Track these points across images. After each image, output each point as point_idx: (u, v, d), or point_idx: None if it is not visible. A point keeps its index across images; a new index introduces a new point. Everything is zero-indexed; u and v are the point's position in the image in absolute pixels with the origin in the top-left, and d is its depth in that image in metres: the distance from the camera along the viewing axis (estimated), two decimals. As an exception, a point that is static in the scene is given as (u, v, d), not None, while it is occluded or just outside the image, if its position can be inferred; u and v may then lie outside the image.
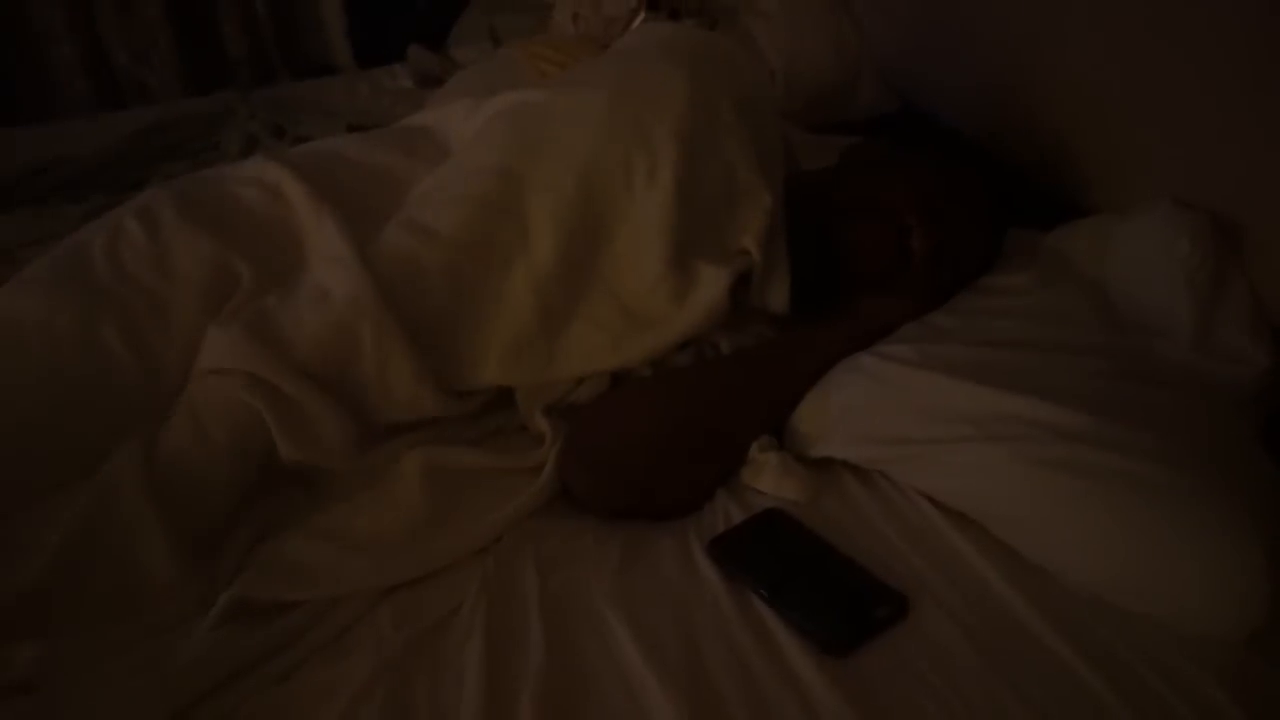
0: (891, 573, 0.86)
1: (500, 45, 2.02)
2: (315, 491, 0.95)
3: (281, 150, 1.42)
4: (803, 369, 1.04)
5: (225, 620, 0.82)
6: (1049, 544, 0.86)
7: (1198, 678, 0.75)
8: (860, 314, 1.09)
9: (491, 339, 1.00)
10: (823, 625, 0.80)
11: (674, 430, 0.98)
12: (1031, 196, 1.36)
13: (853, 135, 1.55)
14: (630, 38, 1.31)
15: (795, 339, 1.09)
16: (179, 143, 1.82)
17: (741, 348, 1.09)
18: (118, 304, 0.96)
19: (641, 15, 1.69)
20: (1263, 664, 0.76)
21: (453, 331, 0.99)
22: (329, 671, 0.79)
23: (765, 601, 0.83)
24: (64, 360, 0.93)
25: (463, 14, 2.33)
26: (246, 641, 0.80)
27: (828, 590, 0.84)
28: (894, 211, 1.12)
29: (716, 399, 1.02)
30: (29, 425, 0.91)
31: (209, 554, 0.88)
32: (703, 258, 1.06)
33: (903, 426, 0.95)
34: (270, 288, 0.99)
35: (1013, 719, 0.73)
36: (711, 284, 1.04)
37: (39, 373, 0.93)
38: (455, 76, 1.78)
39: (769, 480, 0.97)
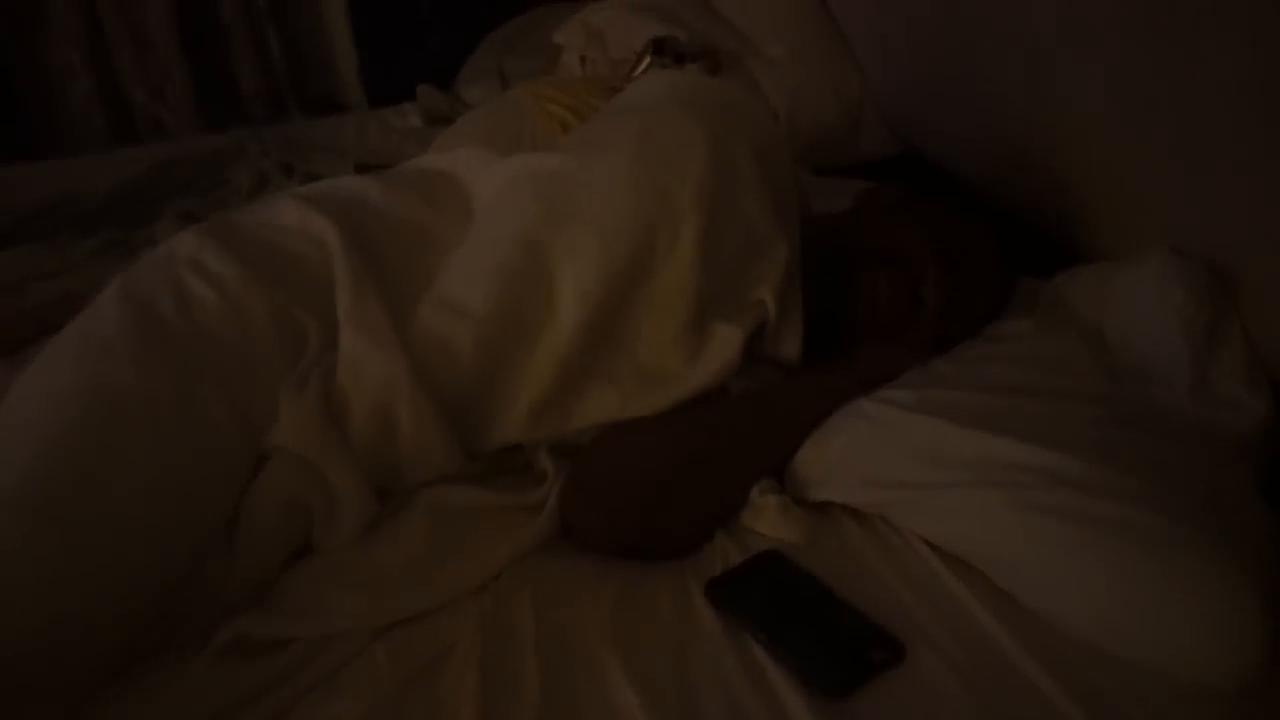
0: (888, 617, 0.86)
1: (508, 86, 2.05)
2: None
3: (302, 189, 1.42)
4: (806, 414, 1.04)
5: (222, 655, 0.82)
6: (1046, 590, 0.86)
7: (1193, 727, 0.75)
8: (867, 361, 1.09)
9: (516, 405, 1.00)
10: (819, 669, 0.80)
11: (676, 471, 0.99)
12: (1032, 242, 1.37)
13: (856, 179, 1.57)
14: (641, 87, 1.32)
15: (800, 384, 1.10)
16: (191, 179, 1.84)
17: (746, 390, 1.09)
18: (211, 366, 0.93)
19: (647, 59, 1.72)
20: (1257, 713, 0.76)
21: (481, 400, 0.99)
22: (324, 709, 0.79)
23: (761, 644, 0.84)
24: (171, 431, 0.88)
25: (472, 55, 2.36)
26: (243, 677, 0.81)
27: (824, 634, 0.84)
28: (909, 261, 1.13)
29: (719, 441, 1.02)
30: (142, 506, 0.85)
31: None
32: (719, 315, 1.06)
33: (901, 471, 0.95)
34: (330, 345, 0.98)
35: (1007, 766, 0.73)
36: (726, 344, 1.04)
37: (147, 448, 0.87)
38: (463, 117, 1.80)
39: (768, 522, 0.97)
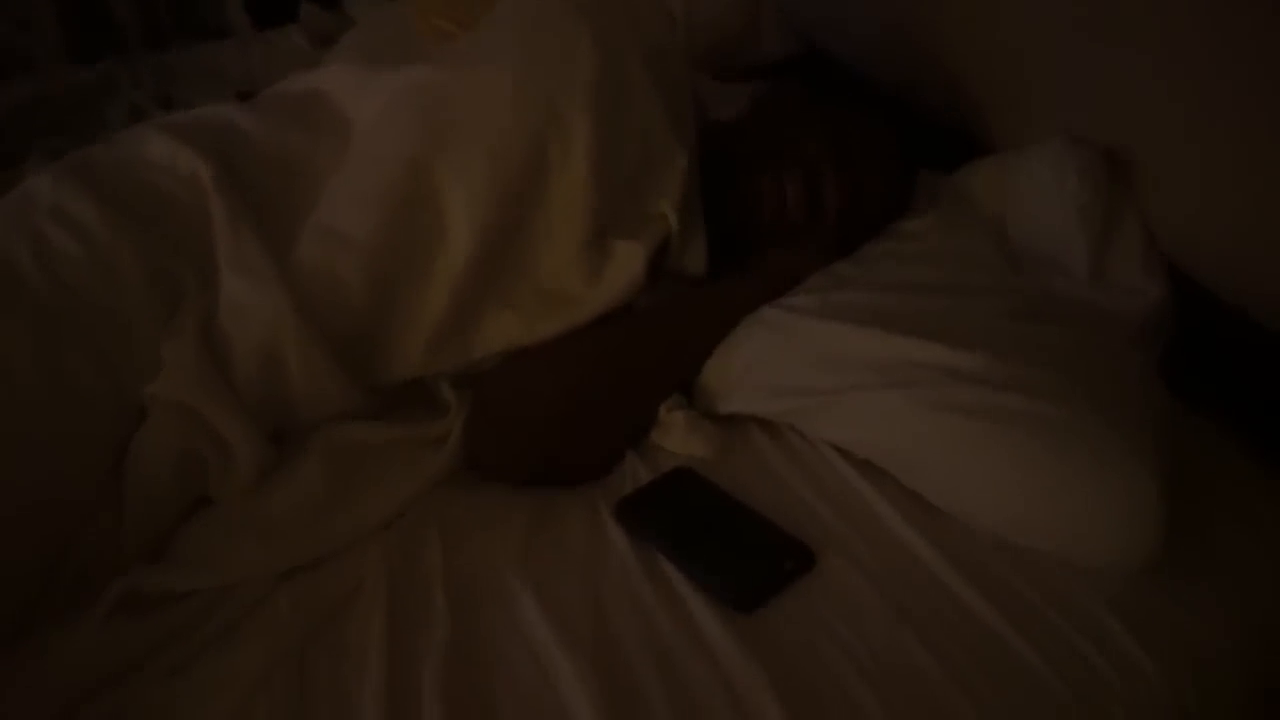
0: (800, 526, 0.86)
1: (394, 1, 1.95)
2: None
3: (169, 118, 1.34)
4: (710, 326, 1.02)
5: (114, 613, 0.78)
6: (952, 487, 0.86)
7: (1097, 610, 0.78)
8: (769, 268, 1.08)
9: (413, 336, 0.96)
10: (730, 582, 0.80)
11: (581, 394, 0.96)
12: (934, 138, 1.35)
13: (758, 82, 1.53)
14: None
15: (703, 296, 1.07)
16: (60, 116, 1.73)
17: (648, 306, 1.06)
18: (73, 323, 0.86)
19: (537, -35, 1.64)
20: (1152, 589, 0.78)
21: (375, 334, 0.95)
22: (224, 662, 0.76)
23: (673, 562, 0.83)
24: (29, 400, 0.82)
25: (357, -31, 2.24)
26: (137, 634, 0.77)
27: (735, 547, 0.84)
28: (806, 162, 1.11)
29: (623, 360, 1.00)
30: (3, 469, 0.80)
31: None
32: (619, 231, 1.03)
33: (806, 377, 0.94)
34: (206, 290, 0.92)
35: (919, 665, 0.74)
36: (628, 261, 1.01)
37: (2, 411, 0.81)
38: (345, 35, 1.71)
39: (677, 439, 0.96)
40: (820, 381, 0.93)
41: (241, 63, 1.98)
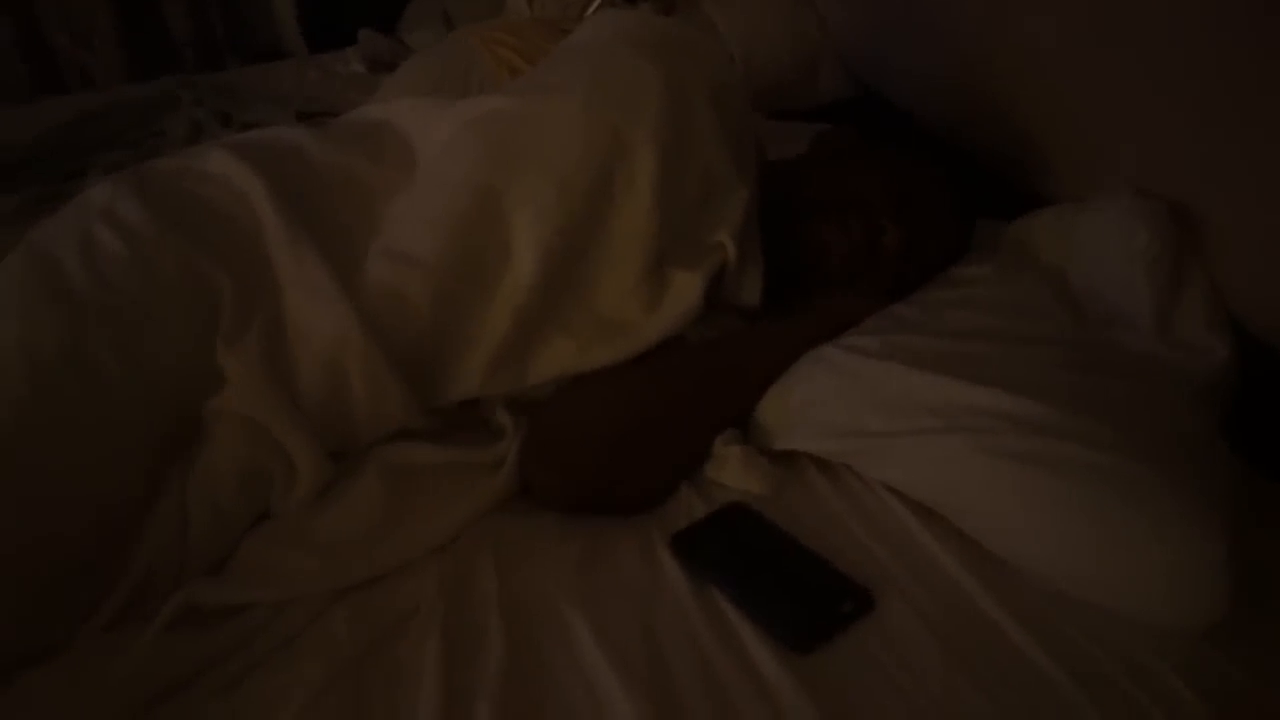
0: (856, 567, 0.85)
1: (454, 29, 1.98)
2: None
3: (233, 138, 1.36)
4: (767, 363, 1.02)
5: (172, 625, 0.79)
6: (1012, 536, 0.85)
7: (1158, 669, 0.75)
8: (826, 308, 1.08)
9: (474, 357, 0.97)
10: (787, 621, 0.79)
11: (637, 424, 0.97)
12: (993, 185, 1.35)
13: (814, 123, 1.54)
14: (591, 27, 1.27)
15: (760, 333, 1.08)
16: (120, 130, 1.76)
17: (706, 340, 1.07)
18: (105, 314, 0.88)
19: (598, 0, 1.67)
20: (1219, 654, 0.77)
21: (437, 354, 0.96)
22: (281, 677, 0.76)
23: (728, 598, 0.82)
24: (51, 381, 0.83)
25: (415, -3, 2.29)
26: (194, 647, 0.78)
27: (791, 585, 0.83)
28: (866, 207, 1.11)
29: (680, 393, 1.00)
30: (17, 455, 0.80)
31: None
32: (677, 261, 1.04)
33: (865, 418, 0.94)
34: (250, 302, 0.93)
35: (976, 713, 0.73)
36: (685, 290, 1.02)
37: (24, 399, 0.82)
38: (407, 62, 1.74)
39: (732, 474, 0.96)
40: (878, 423, 0.93)
41: (298, 84, 2.01)
